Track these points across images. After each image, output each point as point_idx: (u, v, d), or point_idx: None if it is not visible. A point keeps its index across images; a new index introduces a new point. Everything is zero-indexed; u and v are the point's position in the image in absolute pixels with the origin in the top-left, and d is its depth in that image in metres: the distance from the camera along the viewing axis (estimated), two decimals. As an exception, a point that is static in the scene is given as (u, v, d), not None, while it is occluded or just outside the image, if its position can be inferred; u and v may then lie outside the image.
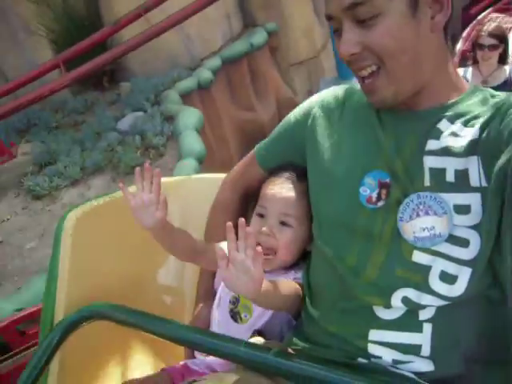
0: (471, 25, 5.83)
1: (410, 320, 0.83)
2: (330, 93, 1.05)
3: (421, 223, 0.81)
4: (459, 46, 5.17)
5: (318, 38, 5.70)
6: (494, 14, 6.23)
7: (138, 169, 0.95)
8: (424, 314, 0.83)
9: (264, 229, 1.01)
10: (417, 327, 0.83)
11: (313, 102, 1.06)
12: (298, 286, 1.00)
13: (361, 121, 0.96)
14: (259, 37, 4.94)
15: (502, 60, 3.31)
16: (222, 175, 1.25)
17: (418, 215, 0.82)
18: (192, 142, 2.94)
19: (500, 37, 3.27)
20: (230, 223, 0.80)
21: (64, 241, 1.12)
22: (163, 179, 1.16)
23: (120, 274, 1.19)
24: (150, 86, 4.05)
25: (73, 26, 4.60)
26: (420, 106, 0.89)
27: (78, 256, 1.13)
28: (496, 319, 0.84)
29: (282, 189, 1.04)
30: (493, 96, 0.86)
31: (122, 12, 4.45)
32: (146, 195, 0.92)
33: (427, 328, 0.83)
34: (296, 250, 1.03)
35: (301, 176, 1.04)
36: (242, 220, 0.80)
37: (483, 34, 3.26)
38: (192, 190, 1.34)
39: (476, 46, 3.33)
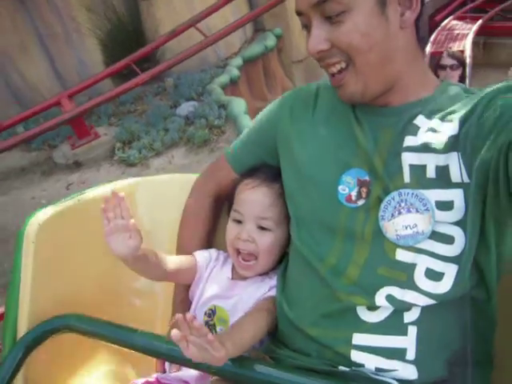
0: (437, 30, 7.07)
1: (394, 322, 0.83)
2: (302, 90, 1.04)
3: (403, 221, 0.81)
4: (428, 48, 6.36)
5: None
6: (454, 21, 7.49)
7: (106, 196, 0.88)
8: (409, 316, 0.82)
9: (243, 235, 1.00)
10: (401, 330, 0.82)
11: (283, 101, 1.05)
12: (269, 309, 0.97)
13: (336, 117, 0.95)
14: (270, 40, 6.03)
15: (462, 82, 3.42)
16: (194, 176, 1.23)
17: (399, 213, 0.82)
18: (247, 122, 4.02)
19: (460, 59, 3.50)
20: (179, 316, 0.76)
21: (26, 247, 1.06)
22: (134, 179, 1.18)
23: (88, 280, 1.14)
24: (195, 81, 5.08)
25: (118, 30, 5.55)
26: (394, 102, 0.89)
27: (42, 263, 1.07)
28: (480, 320, 0.84)
29: (257, 192, 1.02)
30: (466, 91, 0.88)
31: (161, 18, 5.48)
32: (119, 221, 0.87)
33: (412, 331, 0.82)
34: (277, 253, 1.03)
35: (275, 177, 1.03)
36: (189, 316, 0.75)
37: (444, 55, 3.49)
38: (163, 190, 1.30)
39: (438, 67, 3.48)
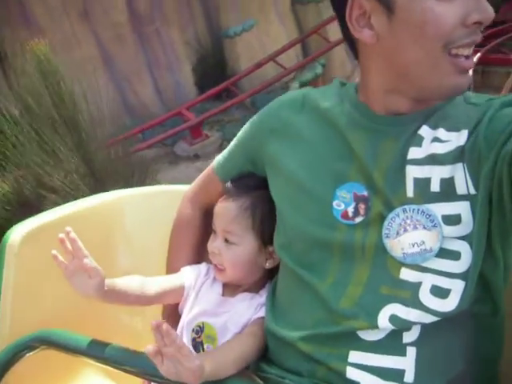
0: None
1: (393, 342, 0.80)
2: (286, 98, 1.01)
3: (409, 239, 0.78)
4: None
5: (348, 68, 8.65)
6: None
7: (61, 236, 0.87)
8: (408, 337, 0.79)
9: (210, 247, 1.03)
10: (400, 350, 0.79)
11: (269, 111, 1.01)
12: (258, 334, 0.94)
13: (327, 125, 0.91)
14: (318, 69, 7.83)
15: None
16: (183, 186, 1.23)
17: (405, 230, 0.79)
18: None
19: None
20: (152, 323, 0.74)
21: (8, 262, 1.04)
22: (124, 191, 1.21)
23: (72, 294, 1.06)
24: (265, 99, 6.84)
25: (206, 60, 7.31)
26: (402, 109, 0.84)
27: (25, 276, 1.06)
28: (485, 337, 0.82)
29: (223, 205, 1.03)
30: (467, 99, 0.85)
31: (240, 52, 7.28)
32: (74, 263, 0.86)
33: (411, 352, 0.79)
34: (247, 267, 1.01)
35: (247, 189, 1.02)
36: (159, 323, 0.74)
37: None
38: (152, 202, 1.29)
39: None
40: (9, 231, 1.08)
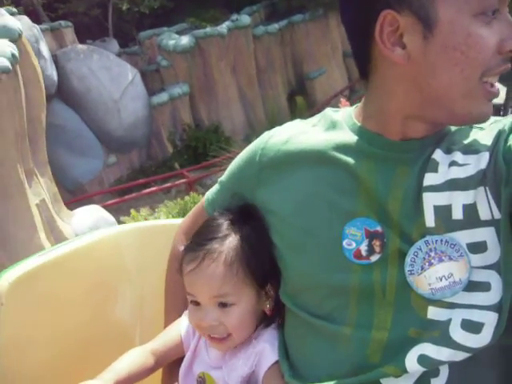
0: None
1: None
2: (278, 130, 0.93)
3: (436, 273, 0.73)
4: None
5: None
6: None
7: None
8: (437, 382, 0.74)
9: (205, 321, 0.88)
10: None
11: (257, 144, 0.93)
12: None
13: (319, 163, 0.83)
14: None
15: None
16: (178, 221, 1.19)
17: (430, 264, 0.73)
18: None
19: None
20: None
21: None
22: (119, 226, 1.22)
23: (65, 341, 1.05)
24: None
25: (295, 93, 12.08)
26: (415, 134, 0.79)
27: (14, 327, 1.00)
28: None
29: (202, 271, 0.87)
30: None
31: (317, 88, 12.13)
32: None
33: None
34: (251, 322, 0.92)
35: (226, 234, 0.89)
36: None
37: None
38: (149, 237, 1.26)
39: None
40: None
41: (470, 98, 0.73)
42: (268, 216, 0.89)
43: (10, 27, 5.43)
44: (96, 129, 9.48)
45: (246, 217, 0.92)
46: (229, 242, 0.89)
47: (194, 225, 1.02)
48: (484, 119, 0.77)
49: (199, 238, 0.91)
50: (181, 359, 1.01)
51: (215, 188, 1.03)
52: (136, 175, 10.01)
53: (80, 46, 9.61)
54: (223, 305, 0.89)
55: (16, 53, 5.04)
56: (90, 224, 6.56)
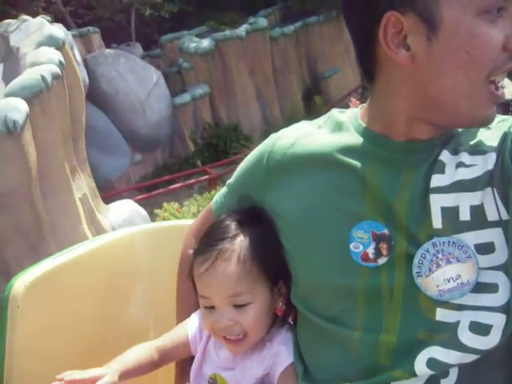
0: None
1: None
2: (284, 133, 0.94)
3: (444, 274, 0.74)
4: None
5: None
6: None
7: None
8: (446, 383, 0.75)
9: (222, 322, 0.88)
10: None
11: (264, 147, 0.94)
12: None
13: (325, 166, 0.83)
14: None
15: None
16: (190, 221, 1.19)
17: (438, 266, 0.74)
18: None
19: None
20: (58, 377, 0.80)
21: (11, 314, 0.98)
22: (132, 228, 1.22)
23: (82, 342, 1.07)
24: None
25: (310, 90, 12.52)
26: (422, 136, 0.79)
27: (30, 330, 1.01)
28: None
29: (216, 271, 0.87)
30: None
31: (332, 86, 12.54)
32: None
33: None
34: (266, 320, 0.92)
35: (235, 234, 0.90)
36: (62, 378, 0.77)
37: None
38: (162, 238, 1.27)
39: None
40: (11, 281, 1.00)
41: (474, 101, 0.72)
42: (277, 219, 0.90)
43: (56, 36, 5.95)
44: (123, 128, 10.00)
45: (254, 218, 0.93)
46: (239, 240, 0.89)
47: (204, 227, 1.01)
48: (488, 122, 0.76)
49: (209, 239, 0.92)
50: (192, 359, 1.01)
51: (223, 191, 1.04)
52: (160, 172, 10.51)
53: (108, 51, 10.15)
54: (238, 305, 0.88)
55: (62, 60, 5.55)
56: (125, 217, 7.05)
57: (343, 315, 0.81)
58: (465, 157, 0.76)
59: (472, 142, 0.78)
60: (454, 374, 0.75)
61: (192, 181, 9.51)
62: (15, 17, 8.75)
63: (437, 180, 0.75)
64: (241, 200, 0.97)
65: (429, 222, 0.75)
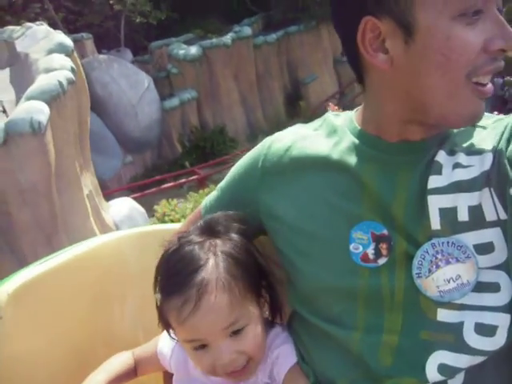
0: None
1: None
2: (279, 136, 0.93)
3: (443, 275, 0.73)
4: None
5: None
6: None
7: None
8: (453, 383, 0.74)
9: (223, 359, 0.80)
10: None
11: (259, 150, 0.93)
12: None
13: (328, 160, 0.83)
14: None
15: None
16: (179, 225, 1.16)
17: (437, 267, 0.74)
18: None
19: None
20: None
21: None
22: (120, 232, 1.19)
23: (69, 351, 1.04)
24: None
25: (291, 96, 13.16)
26: (415, 136, 0.78)
27: (15, 341, 0.97)
28: None
29: (202, 306, 0.78)
30: None
31: (311, 92, 13.26)
32: None
33: None
34: (264, 335, 0.87)
35: (211, 247, 0.83)
36: None
37: None
38: (150, 242, 1.15)
39: None
40: None
41: (457, 100, 0.72)
42: (273, 222, 0.88)
43: (65, 44, 6.39)
44: (116, 131, 10.43)
45: (218, 229, 0.87)
46: (213, 264, 0.81)
47: None
48: (477, 119, 0.75)
49: (179, 276, 0.81)
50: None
51: (214, 194, 1.01)
52: (149, 173, 10.98)
53: (101, 56, 10.57)
54: (235, 332, 0.81)
55: (74, 66, 6.00)
56: (125, 213, 7.51)
57: (343, 316, 0.80)
58: (461, 157, 0.76)
59: (468, 143, 0.77)
60: (460, 375, 0.74)
61: (183, 180, 10.03)
62: (10, 22, 9.08)
63: (434, 181, 0.75)
64: (231, 203, 0.95)
65: (427, 222, 0.75)
